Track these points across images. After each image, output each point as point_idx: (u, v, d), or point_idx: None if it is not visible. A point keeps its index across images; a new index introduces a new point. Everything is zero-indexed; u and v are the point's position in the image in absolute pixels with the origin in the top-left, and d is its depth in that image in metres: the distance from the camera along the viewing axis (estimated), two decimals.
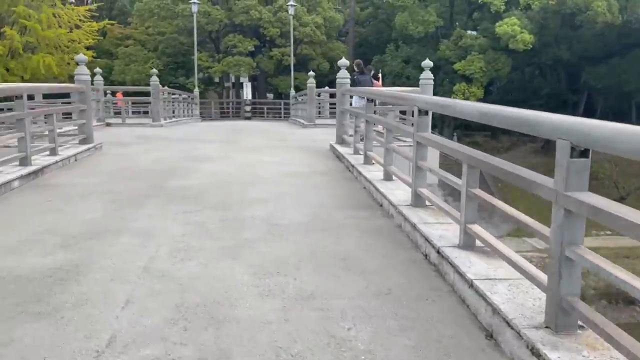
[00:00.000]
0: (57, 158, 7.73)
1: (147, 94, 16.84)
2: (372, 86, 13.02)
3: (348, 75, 10.17)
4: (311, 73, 17.56)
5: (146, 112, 24.65)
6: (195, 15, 28.07)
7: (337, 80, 10.10)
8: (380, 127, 7.94)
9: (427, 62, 10.11)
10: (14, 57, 28.71)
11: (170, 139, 12.10)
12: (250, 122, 25.48)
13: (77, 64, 9.30)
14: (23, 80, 29.11)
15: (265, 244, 4.38)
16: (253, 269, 3.80)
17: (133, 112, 22.11)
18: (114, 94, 23.92)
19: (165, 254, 4.08)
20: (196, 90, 27.20)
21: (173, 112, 20.81)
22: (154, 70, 16.64)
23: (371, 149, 7.63)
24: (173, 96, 20.70)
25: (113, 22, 35.08)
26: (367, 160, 7.59)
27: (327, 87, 24.19)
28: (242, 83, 40.16)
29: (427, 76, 10.01)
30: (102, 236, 4.50)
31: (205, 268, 3.81)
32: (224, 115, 32.99)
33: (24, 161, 6.95)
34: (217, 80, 38.99)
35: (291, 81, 29.99)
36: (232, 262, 3.93)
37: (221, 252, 4.15)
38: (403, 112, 10.67)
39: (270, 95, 40.67)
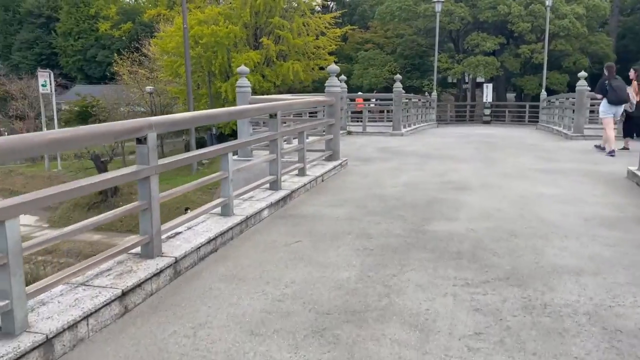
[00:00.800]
0: (304, 180, 7.09)
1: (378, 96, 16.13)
2: (627, 93, 10.42)
3: None
4: (582, 74, 14.51)
5: (382, 114, 24.34)
6: (438, 15, 26.69)
7: None
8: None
9: None
10: (268, 65, 31.49)
11: (416, 154, 10.89)
12: (491, 127, 23.07)
13: (328, 74, 8.67)
14: (275, 86, 31.82)
15: None
16: None
17: (370, 119, 21.90)
18: (353, 99, 24.13)
19: None
20: (434, 94, 25.84)
21: (410, 117, 19.78)
22: (398, 76, 15.75)
23: None
24: (412, 101, 19.65)
25: (354, 27, 36.10)
26: None
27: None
28: (478, 84, 37.53)
29: None
30: (362, 318, 3.32)
31: None
32: (459, 118, 30.99)
33: (274, 185, 6.40)
34: (452, 81, 37.13)
35: (542, 81, 26.42)
36: None
37: None
38: None
39: (510, 97, 37.11)
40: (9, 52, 61.32)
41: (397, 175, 8.25)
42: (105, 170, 27.64)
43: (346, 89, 15.86)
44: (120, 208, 3.95)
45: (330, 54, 32.10)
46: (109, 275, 3.68)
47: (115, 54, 41.04)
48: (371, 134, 15.33)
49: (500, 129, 21.10)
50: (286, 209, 6.08)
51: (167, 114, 37.77)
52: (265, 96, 8.95)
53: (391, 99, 15.96)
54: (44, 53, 59.56)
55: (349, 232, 5.12)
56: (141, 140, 3.89)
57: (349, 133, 15.14)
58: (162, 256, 4.06)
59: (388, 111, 20.31)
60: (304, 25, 30.97)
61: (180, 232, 4.66)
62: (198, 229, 4.79)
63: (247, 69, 8.97)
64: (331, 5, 43.85)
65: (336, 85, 8.56)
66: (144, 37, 39.23)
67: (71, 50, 57.40)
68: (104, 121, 34.77)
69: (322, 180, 7.67)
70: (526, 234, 5.01)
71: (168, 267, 3.96)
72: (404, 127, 16.55)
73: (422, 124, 20.19)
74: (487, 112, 28.33)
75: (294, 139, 9.30)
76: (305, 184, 6.98)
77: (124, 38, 48.21)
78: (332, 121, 8.50)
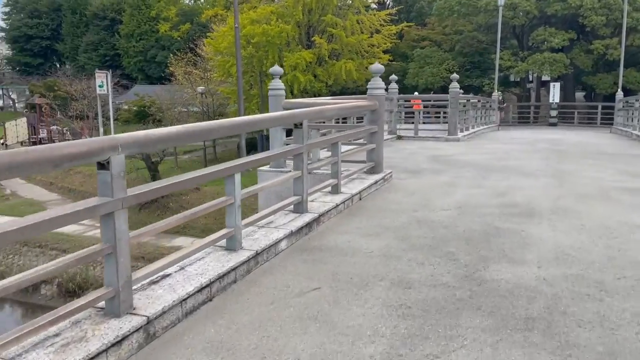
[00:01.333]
0: (337, 199, 6.05)
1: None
2: None
3: None
4: None
5: (437, 116, 22.85)
6: (500, 9, 24.83)
7: None
8: None
9: None
10: (320, 64, 30.59)
11: (473, 165, 9.58)
12: (559, 131, 21.09)
13: (372, 74, 7.58)
14: (326, 86, 30.92)
15: None
16: None
17: (425, 118, 20.56)
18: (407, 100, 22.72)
19: None
20: (495, 94, 24.06)
21: (467, 120, 18.23)
22: (455, 76, 14.35)
23: None
24: (471, 102, 18.08)
25: (410, 24, 34.54)
26: None
27: None
28: (544, 82, 35.07)
29: None
30: None
31: None
32: (522, 120, 28.87)
33: (298, 207, 5.41)
34: (514, 80, 34.85)
35: (617, 79, 24.05)
36: None
37: None
38: None
39: (578, 96, 34.41)
40: (75, 53, 63.82)
41: (449, 193, 7.04)
42: (156, 170, 27.64)
43: (397, 90, 14.62)
44: (74, 254, 3.06)
45: (385, 52, 30.81)
46: (52, 345, 2.80)
47: (171, 55, 41.50)
48: (424, 138, 14.05)
49: (570, 133, 19.16)
50: (310, 239, 5.06)
51: (220, 115, 37.45)
52: (300, 100, 8.00)
53: (446, 100, 14.61)
54: (107, 54, 61.54)
55: (382, 277, 4.04)
56: (104, 165, 2.99)
57: (399, 138, 13.94)
58: (131, 314, 3.14)
59: (444, 112, 18.90)
60: (358, 23, 29.86)
61: (168, 275, 3.74)
62: (192, 269, 3.86)
63: (280, 70, 8.03)
64: (387, 2, 42.40)
65: (379, 87, 7.45)
66: (198, 38, 39.40)
67: (133, 51, 58.86)
68: (159, 121, 35.12)
69: (360, 199, 6.59)
70: (621, 290, 3.75)
71: (136, 330, 3.04)
72: (461, 131, 15.14)
73: (481, 127, 18.62)
74: (554, 113, 26.15)
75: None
76: (337, 205, 5.93)
77: (179, 39, 48.83)
78: (374, 129, 7.40)
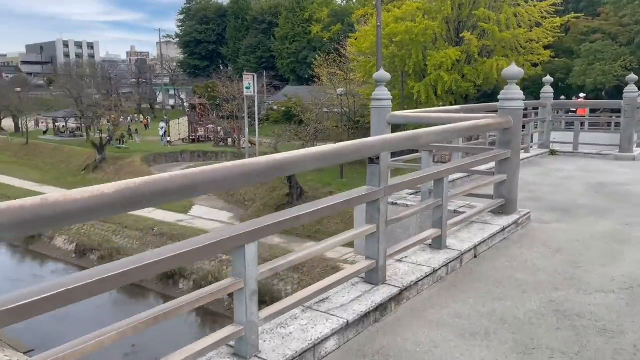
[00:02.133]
0: (437, 261, 4.30)
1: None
2: None
3: None
4: None
5: (609, 123, 19.09)
6: None
7: None
8: None
9: None
10: (469, 63, 27.99)
11: None
12: None
13: (506, 81, 5.59)
14: (475, 86, 28.17)
15: None
16: None
17: (590, 125, 17.14)
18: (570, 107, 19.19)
19: None
20: None
21: None
22: (632, 77, 11.18)
23: None
24: None
25: (579, 14, 29.98)
26: None
27: None
28: None
29: None
30: None
31: None
32: None
33: (372, 276, 3.82)
34: None
35: None
36: None
37: None
38: None
39: None
40: (236, 56, 68.19)
41: (614, 255, 4.79)
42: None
43: (551, 94, 11.91)
44: None
45: (545, 47, 27.15)
46: None
47: (316, 56, 41.71)
48: (585, 155, 11.19)
49: None
50: (379, 331, 3.42)
51: (361, 117, 36.37)
52: (408, 113, 6.25)
53: (618, 106, 11.53)
54: (264, 56, 64.65)
55: None
56: None
57: (553, 153, 11.30)
58: None
59: (617, 121, 15.42)
60: (515, 16, 26.60)
61: None
62: None
63: (387, 75, 6.39)
64: None
65: (515, 97, 5.44)
66: (344, 38, 38.99)
67: (286, 53, 60.89)
68: (302, 122, 35.35)
69: (475, 256, 4.73)
70: None
71: None
72: (638, 146, 11.89)
73: None
74: None
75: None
76: (435, 270, 4.18)
77: (324, 39, 49.03)
78: (505, 154, 5.43)
